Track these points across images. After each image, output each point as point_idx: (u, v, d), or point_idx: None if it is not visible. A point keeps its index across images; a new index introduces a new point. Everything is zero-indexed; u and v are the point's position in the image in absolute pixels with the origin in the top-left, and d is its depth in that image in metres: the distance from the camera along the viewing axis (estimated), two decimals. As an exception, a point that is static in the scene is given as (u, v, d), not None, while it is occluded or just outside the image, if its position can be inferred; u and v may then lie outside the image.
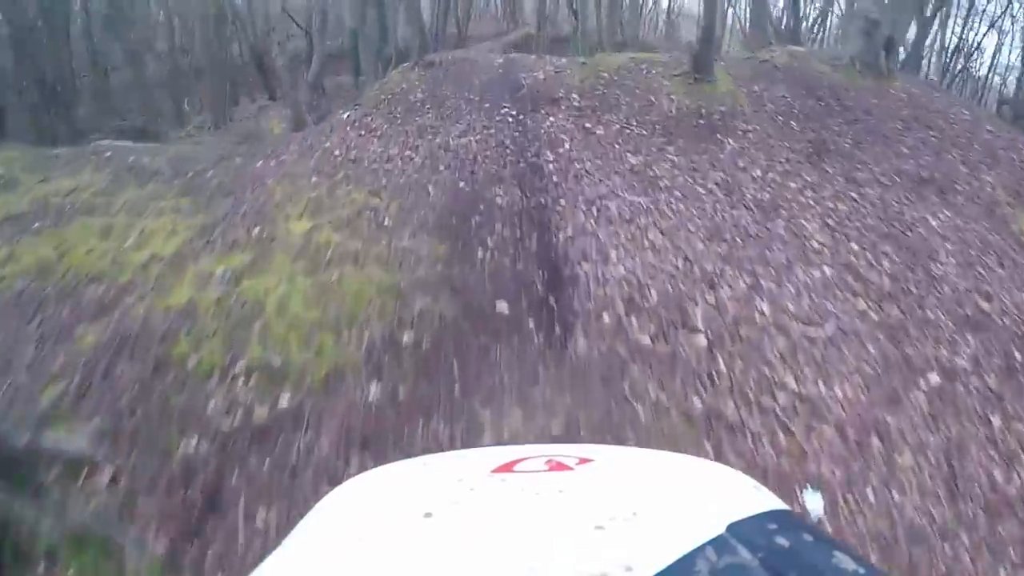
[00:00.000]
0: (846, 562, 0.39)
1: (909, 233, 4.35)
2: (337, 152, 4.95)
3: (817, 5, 15.50)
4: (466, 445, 2.55)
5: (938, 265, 4.06)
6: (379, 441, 2.52)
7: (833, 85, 6.28)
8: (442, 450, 2.42)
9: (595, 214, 4.14)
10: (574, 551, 0.40)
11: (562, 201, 4.30)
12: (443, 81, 6.22)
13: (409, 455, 0.78)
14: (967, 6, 13.39)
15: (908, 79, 7.29)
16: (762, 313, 3.37)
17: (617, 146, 5.04)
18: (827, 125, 5.63)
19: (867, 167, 5.11)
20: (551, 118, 5.46)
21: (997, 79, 14.93)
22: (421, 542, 0.44)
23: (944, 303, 3.71)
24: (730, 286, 3.55)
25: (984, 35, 14.13)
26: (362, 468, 1.59)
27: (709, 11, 7.36)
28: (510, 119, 5.48)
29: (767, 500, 0.53)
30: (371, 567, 0.42)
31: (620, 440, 2.60)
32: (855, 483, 2.56)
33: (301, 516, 0.60)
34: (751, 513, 0.46)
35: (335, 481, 0.84)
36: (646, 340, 3.12)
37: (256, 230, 3.75)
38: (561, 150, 4.98)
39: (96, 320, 2.95)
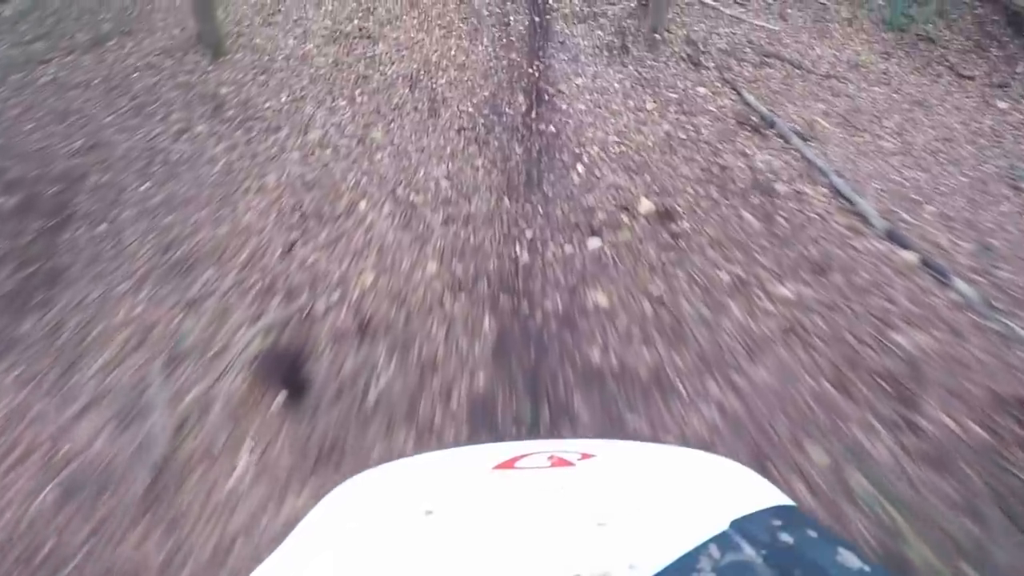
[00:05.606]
0: (851, 560, 0.37)
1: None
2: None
3: None
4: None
5: None
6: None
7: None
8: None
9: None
10: (576, 548, 0.39)
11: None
12: None
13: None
14: None
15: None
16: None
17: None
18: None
19: None
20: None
21: None
22: (422, 540, 0.42)
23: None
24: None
25: None
26: None
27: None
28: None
29: (771, 495, 0.50)
30: (372, 565, 0.40)
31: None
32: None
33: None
34: (755, 509, 0.44)
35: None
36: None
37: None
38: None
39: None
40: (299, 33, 4.60)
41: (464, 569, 0.38)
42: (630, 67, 4.22)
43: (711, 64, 4.58)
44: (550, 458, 0.55)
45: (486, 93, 3.80)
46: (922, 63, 5.59)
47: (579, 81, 4.01)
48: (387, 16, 4.57)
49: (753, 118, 3.91)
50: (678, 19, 4.90)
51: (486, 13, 4.55)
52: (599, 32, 4.50)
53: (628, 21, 4.64)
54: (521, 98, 3.78)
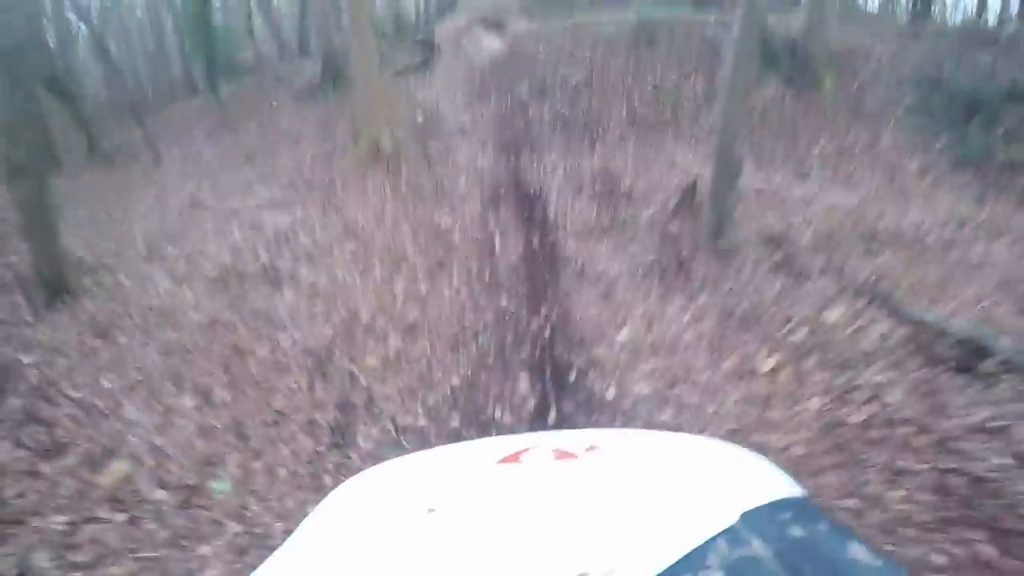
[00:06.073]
0: (861, 554, 0.37)
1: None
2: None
3: None
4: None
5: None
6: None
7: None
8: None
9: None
10: (581, 546, 0.38)
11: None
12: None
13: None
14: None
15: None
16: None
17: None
18: None
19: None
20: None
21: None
22: (426, 536, 0.42)
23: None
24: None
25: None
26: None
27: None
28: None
29: (783, 485, 0.49)
30: (376, 561, 0.40)
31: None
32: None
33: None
34: (765, 500, 0.43)
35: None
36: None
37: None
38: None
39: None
40: (183, 271, 3.06)
41: (467, 569, 0.36)
42: (701, 296, 2.49)
43: (815, 267, 2.89)
44: (554, 451, 0.54)
45: (455, 380, 1.97)
46: (1020, 196, 4.80)
47: (623, 335, 2.22)
48: (311, 248, 3.04)
49: (944, 347, 2.02)
50: (737, 213, 3.42)
51: (458, 239, 3.01)
52: (635, 247, 2.90)
53: (673, 225, 3.09)
54: (524, 386, 1.94)
